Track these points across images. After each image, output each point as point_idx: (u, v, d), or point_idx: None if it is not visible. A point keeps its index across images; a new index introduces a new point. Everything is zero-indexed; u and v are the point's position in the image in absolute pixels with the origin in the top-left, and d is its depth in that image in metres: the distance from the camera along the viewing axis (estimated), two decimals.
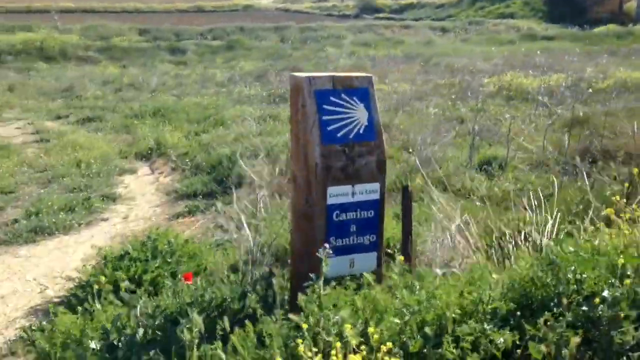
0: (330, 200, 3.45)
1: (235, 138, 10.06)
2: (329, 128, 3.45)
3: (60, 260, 5.68)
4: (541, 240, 4.63)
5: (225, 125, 11.68)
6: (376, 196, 3.57)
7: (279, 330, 2.69)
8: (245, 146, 8.81)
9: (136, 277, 4.43)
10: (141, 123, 12.34)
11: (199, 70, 19.86)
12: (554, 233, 4.91)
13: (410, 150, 9.17)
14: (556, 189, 6.75)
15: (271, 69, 19.33)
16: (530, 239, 4.98)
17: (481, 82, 14.88)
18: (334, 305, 2.83)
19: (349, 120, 3.50)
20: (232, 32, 28.94)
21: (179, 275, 4.47)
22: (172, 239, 4.91)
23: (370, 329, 2.51)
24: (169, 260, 4.70)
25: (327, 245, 3.12)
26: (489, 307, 2.73)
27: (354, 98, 3.53)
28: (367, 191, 3.54)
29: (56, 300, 4.74)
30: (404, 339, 2.58)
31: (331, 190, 3.44)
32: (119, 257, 4.76)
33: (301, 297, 2.79)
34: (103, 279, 3.77)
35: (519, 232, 5.15)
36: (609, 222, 3.81)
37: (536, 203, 5.27)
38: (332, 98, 3.48)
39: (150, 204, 7.68)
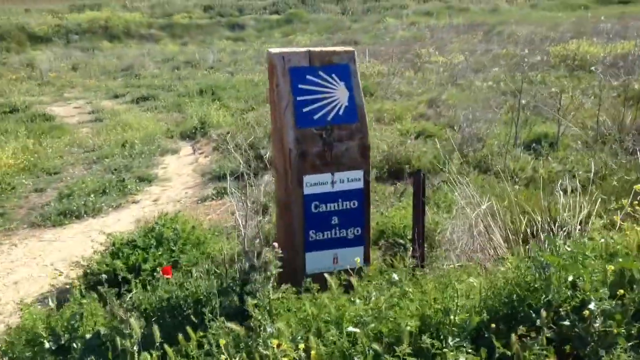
0: (308, 190, 3.20)
1: None
2: (305, 110, 3.18)
3: (82, 245, 5.69)
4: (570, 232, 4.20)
5: None
6: (359, 185, 3.28)
7: (222, 338, 2.46)
8: None
9: (135, 266, 4.33)
10: (191, 101, 12.39)
11: (256, 45, 19.77)
12: (589, 224, 4.46)
13: (455, 127, 8.69)
14: (605, 172, 6.20)
15: (327, 43, 19.01)
16: (565, 229, 4.55)
17: (544, 52, 13.97)
18: (288, 311, 2.58)
19: (327, 101, 3.22)
20: (293, 4, 28.64)
21: (180, 264, 4.38)
22: (177, 226, 4.79)
23: (311, 343, 2.25)
24: (173, 248, 4.59)
25: (275, 244, 2.85)
26: (457, 318, 2.39)
27: (333, 76, 3.24)
28: (348, 179, 3.26)
29: (67, 287, 4.73)
30: (352, 354, 2.29)
31: (308, 178, 3.19)
32: (125, 244, 4.69)
33: (250, 302, 2.56)
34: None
35: (554, 220, 4.71)
36: None
37: (582, 187, 4.80)
38: (308, 76, 3.20)
39: (184, 186, 7.64)
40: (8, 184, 7.38)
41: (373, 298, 2.52)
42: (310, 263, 3.28)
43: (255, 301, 2.58)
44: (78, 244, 5.71)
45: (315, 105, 3.20)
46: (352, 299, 2.58)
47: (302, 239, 3.25)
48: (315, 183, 3.21)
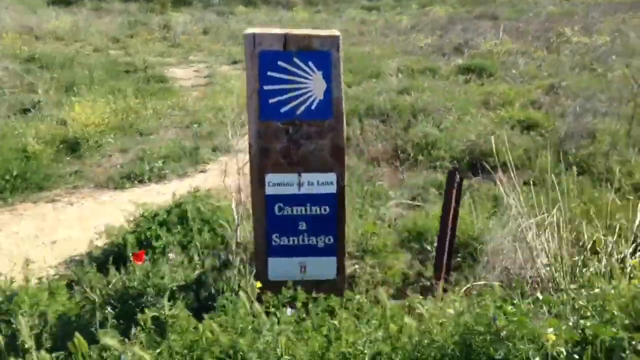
0: (270, 190, 2.85)
1: (379, 92, 9.41)
2: (271, 101, 2.80)
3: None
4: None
5: (380, 78, 11.08)
6: (332, 189, 2.87)
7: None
8: (369, 104, 8.16)
9: (144, 243, 4.24)
10: None
11: (387, 15, 19.16)
12: None
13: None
14: None
15: (462, 16, 17.93)
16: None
17: None
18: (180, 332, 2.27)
19: (299, 92, 2.81)
20: None
21: (190, 245, 4.22)
22: (200, 205, 4.63)
23: None
24: (192, 227, 4.44)
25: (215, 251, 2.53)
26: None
27: (310, 63, 2.81)
28: (319, 182, 2.85)
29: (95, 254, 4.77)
30: None
31: (270, 177, 2.84)
32: (149, 218, 4.62)
33: (147, 314, 2.28)
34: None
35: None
36: None
37: None
38: (280, 62, 2.81)
39: None
40: (96, 142, 7.68)
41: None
42: (273, 269, 2.95)
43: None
44: (129, 209, 5.77)
45: (285, 97, 2.81)
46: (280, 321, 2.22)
47: (264, 242, 2.92)
48: (278, 183, 2.84)
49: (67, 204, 5.80)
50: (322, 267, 2.94)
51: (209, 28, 17.79)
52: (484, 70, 11.11)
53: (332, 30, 2.95)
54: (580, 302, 2.25)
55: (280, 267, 2.93)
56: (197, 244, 3.80)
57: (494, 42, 13.35)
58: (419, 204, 5.04)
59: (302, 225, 2.90)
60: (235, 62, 14.21)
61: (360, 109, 7.96)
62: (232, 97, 10.26)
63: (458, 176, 4.03)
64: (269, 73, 2.80)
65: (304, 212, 2.88)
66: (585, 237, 4.08)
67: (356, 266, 3.76)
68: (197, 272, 3.27)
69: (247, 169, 7.04)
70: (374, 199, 5.27)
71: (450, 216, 3.95)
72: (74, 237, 5.15)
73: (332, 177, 2.84)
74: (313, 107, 2.80)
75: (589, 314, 2.20)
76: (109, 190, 6.25)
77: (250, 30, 2.87)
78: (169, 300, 2.89)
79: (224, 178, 4.24)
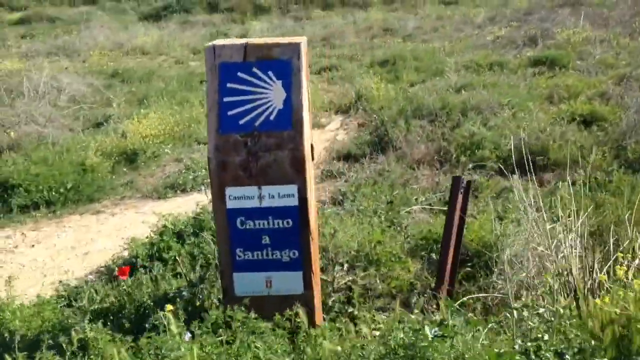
0: (231, 204, 2.81)
1: (433, 90, 9.14)
2: (231, 113, 2.77)
3: None
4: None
5: (443, 75, 10.75)
6: (293, 202, 2.79)
7: None
8: (418, 104, 7.92)
9: (156, 254, 4.34)
10: (365, 73, 12.11)
11: (464, 10, 18.61)
12: None
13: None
14: None
15: (547, 4, 17.09)
16: None
17: None
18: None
19: (258, 103, 2.76)
20: None
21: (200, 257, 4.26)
22: None
23: None
24: (206, 239, 4.49)
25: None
26: None
27: (270, 73, 2.76)
28: (279, 195, 2.78)
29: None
30: None
31: (230, 191, 2.80)
32: (167, 229, 4.73)
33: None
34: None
35: None
36: None
37: None
38: (240, 74, 2.77)
39: None
40: (153, 153, 7.95)
41: None
42: (239, 285, 2.91)
43: None
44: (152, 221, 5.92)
45: (244, 108, 2.76)
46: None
47: (229, 257, 2.88)
48: (239, 197, 2.79)
49: (110, 215, 6.03)
50: (288, 282, 2.87)
51: (286, 34, 17.99)
52: (556, 62, 10.49)
53: (295, 38, 2.87)
54: (530, 323, 2.04)
55: (246, 283, 2.89)
56: (182, 258, 3.84)
57: (572, 30, 12.56)
58: (443, 209, 4.80)
59: (266, 240, 2.84)
60: None
61: (409, 108, 7.74)
62: None
63: (465, 181, 3.82)
64: (228, 85, 2.77)
65: (266, 225, 2.81)
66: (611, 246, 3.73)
67: (349, 278, 3.64)
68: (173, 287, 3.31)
69: None
70: (402, 203, 5.10)
71: (455, 224, 3.75)
72: (108, 247, 5.32)
73: (293, 189, 2.76)
74: (272, 117, 2.73)
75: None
76: (152, 200, 6.45)
77: (211, 43, 2.85)
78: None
79: None
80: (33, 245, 5.25)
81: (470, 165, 6.02)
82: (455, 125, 7.08)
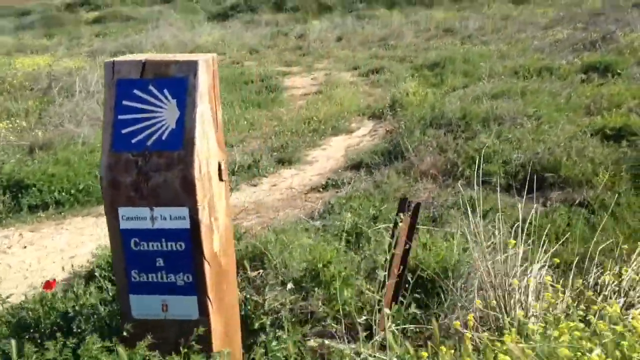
0: (124, 224, 2.75)
1: (461, 98, 8.77)
2: (124, 131, 2.71)
3: None
4: None
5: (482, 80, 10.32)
6: (185, 225, 2.69)
7: None
8: (438, 112, 7.59)
9: None
10: (410, 77, 11.83)
11: (532, 9, 17.82)
12: None
13: None
14: None
15: (622, 4, 16.09)
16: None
17: None
18: None
19: (152, 122, 2.68)
20: None
21: None
22: None
23: None
24: None
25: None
26: None
27: (165, 91, 2.67)
28: (171, 217, 2.69)
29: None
30: None
31: (123, 211, 2.73)
32: None
33: None
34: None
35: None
36: None
37: None
38: (136, 91, 2.70)
39: (318, 172, 7.37)
40: None
41: None
42: (136, 307, 2.84)
43: None
44: None
45: (137, 126, 2.68)
46: None
47: (124, 279, 2.82)
48: (132, 217, 2.72)
49: None
50: (184, 307, 2.77)
51: (344, 34, 17.88)
52: (610, 68, 9.80)
53: (198, 55, 2.77)
54: None
55: (142, 305, 2.81)
56: None
57: (638, 34, 11.72)
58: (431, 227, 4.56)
59: (160, 262, 2.75)
60: (355, 68, 14.11)
61: (429, 117, 7.45)
62: (330, 106, 10.25)
63: (412, 204, 3.59)
64: (124, 102, 2.70)
65: (159, 247, 2.72)
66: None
67: (282, 300, 3.49)
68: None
69: (295, 185, 6.92)
70: (387, 219, 4.88)
71: (400, 250, 3.52)
72: (95, 252, 5.42)
73: (184, 211, 2.66)
74: (164, 137, 2.64)
75: None
76: None
77: (113, 60, 2.80)
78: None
79: None
80: (25, 247, 5.42)
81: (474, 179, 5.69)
82: (472, 136, 6.74)
